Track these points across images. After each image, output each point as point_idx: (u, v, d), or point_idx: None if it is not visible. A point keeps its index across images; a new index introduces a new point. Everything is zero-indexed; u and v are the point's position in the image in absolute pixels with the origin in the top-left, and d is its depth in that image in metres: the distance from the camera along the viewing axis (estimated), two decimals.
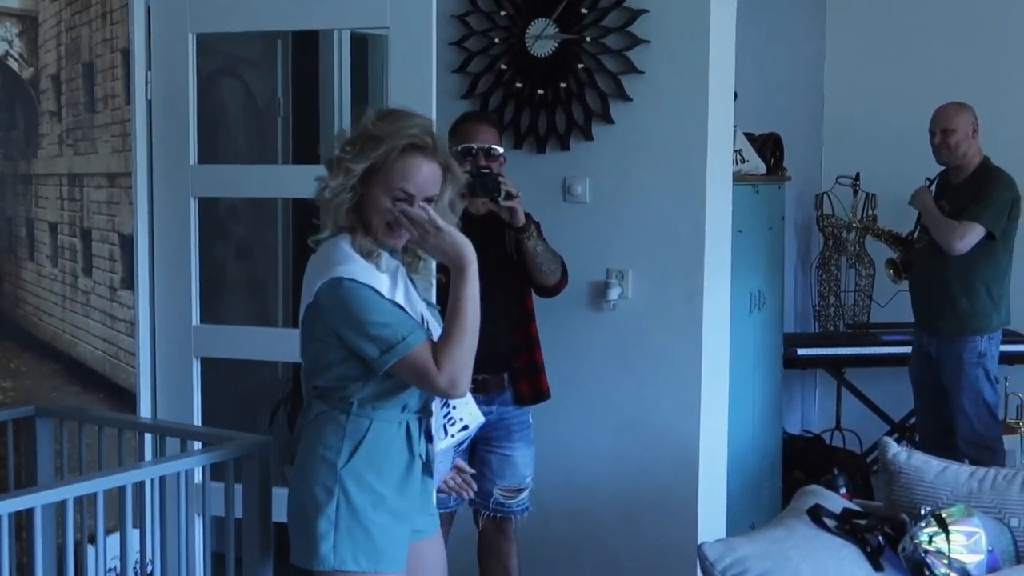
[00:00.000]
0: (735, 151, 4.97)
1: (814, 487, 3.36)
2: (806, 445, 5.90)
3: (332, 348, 2.69)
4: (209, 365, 3.85)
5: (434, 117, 3.43)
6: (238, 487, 3.00)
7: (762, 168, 5.15)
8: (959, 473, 3.05)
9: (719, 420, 4.27)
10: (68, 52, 3.48)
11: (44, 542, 2.82)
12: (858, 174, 6.36)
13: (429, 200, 2.73)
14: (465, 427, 2.90)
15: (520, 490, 3.93)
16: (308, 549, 2.71)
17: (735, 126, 4.95)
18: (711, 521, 4.17)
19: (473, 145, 3.75)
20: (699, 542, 2.99)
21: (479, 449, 3.90)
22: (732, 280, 4.56)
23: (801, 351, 5.92)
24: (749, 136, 5.19)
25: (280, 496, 3.04)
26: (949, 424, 5.06)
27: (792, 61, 6.45)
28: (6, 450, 3.33)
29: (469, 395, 2.91)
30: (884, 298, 6.27)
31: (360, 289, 2.64)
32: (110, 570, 3.09)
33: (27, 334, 3.43)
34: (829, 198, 6.46)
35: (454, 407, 2.86)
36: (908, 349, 5.75)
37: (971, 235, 4.90)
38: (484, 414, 3.81)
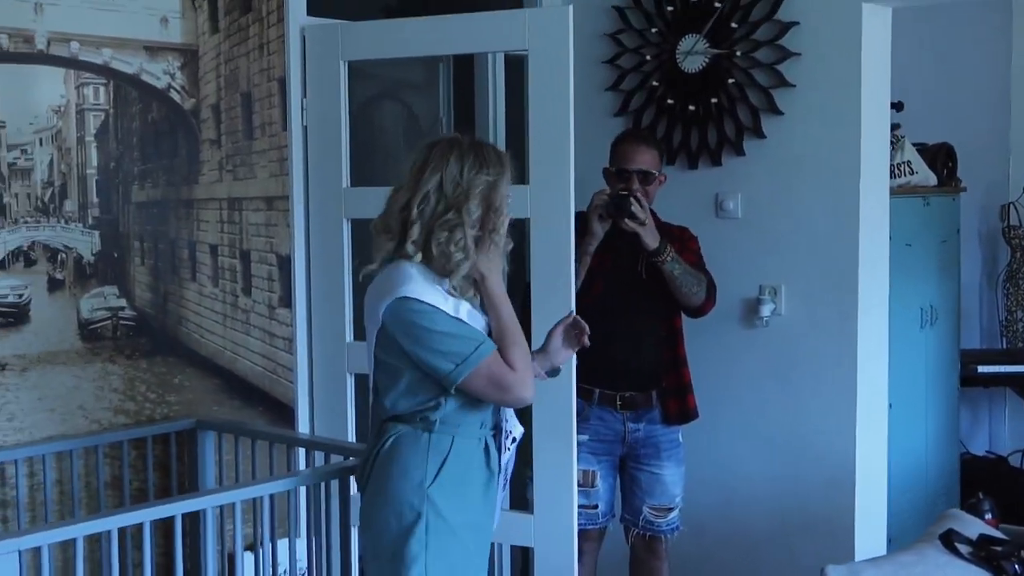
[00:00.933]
0: (903, 163, 4.84)
1: (955, 511, 3.23)
2: (989, 466, 5.66)
3: (406, 370, 2.70)
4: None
5: (571, 137, 3.48)
6: None
7: (932, 179, 4.99)
8: None
9: (878, 439, 4.16)
10: (227, 83, 3.67)
11: (205, 546, 2.98)
12: None
13: None
14: (515, 439, 2.90)
15: (670, 509, 3.92)
16: (392, 573, 2.69)
17: (903, 137, 4.83)
18: (869, 543, 4.05)
19: (629, 167, 3.78)
20: (823, 566, 2.92)
21: (628, 467, 3.92)
22: (901, 295, 4.44)
23: (983, 369, 5.67)
24: (919, 147, 5.03)
25: None
26: None
27: (976, 68, 6.21)
28: (170, 460, 3.53)
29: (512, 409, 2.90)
30: None
31: (425, 307, 2.65)
32: None
33: (190, 351, 3.62)
34: (1016, 208, 6.19)
35: (507, 420, 2.86)
36: None
37: None
38: (633, 431, 3.85)
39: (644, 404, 3.85)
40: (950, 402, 5.29)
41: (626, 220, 3.67)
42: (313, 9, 3.85)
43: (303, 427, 3.85)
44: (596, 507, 3.88)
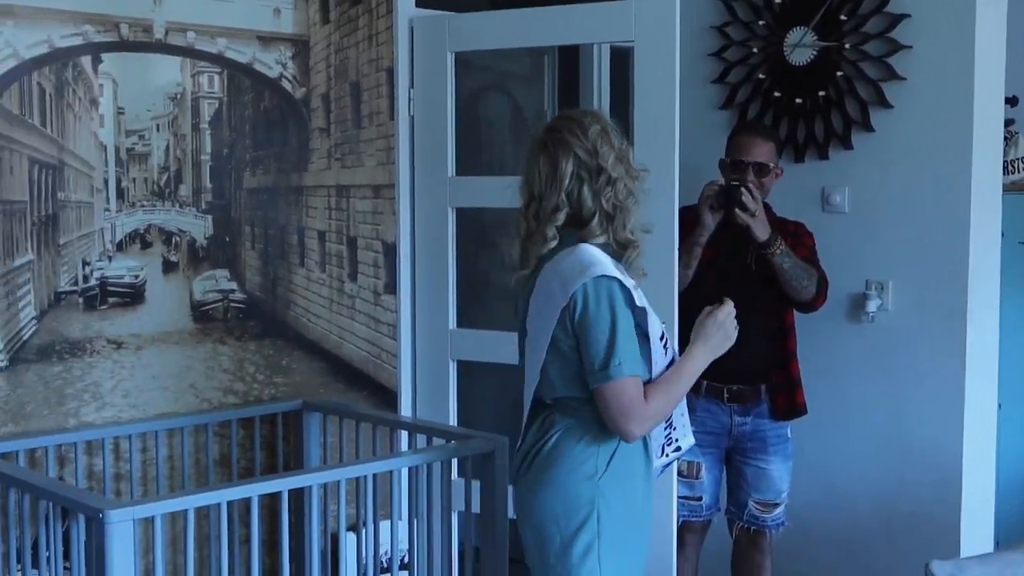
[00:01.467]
0: (1017, 159, 4.74)
1: None
2: None
3: (578, 357, 2.65)
4: (477, 369, 4.03)
5: (676, 128, 3.48)
6: (476, 483, 3.13)
7: None
8: None
9: (986, 439, 4.08)
10: (337, 73, 3.74)
11: (311, 524, 3.04)
12: None
13: None
14: (678, 448, 2.90)
15: (775, 504, 3.89)
16: (566, 564, 2.67)
17: (1017, 133, 4.73)
18: (976, 544, 3.98)
19: (745, 159, 3.77)
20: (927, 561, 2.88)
21: (735, 460, 3.90)
22: (1014, 294, 4.35)
23: None
24: None
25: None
26: None
27: None
28: (276, 440, 3.61)
29: (687, 418, 2.90)
30: None
31: (624, 289, 2.63)
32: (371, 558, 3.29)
33: (298, 334, 3.70)
34: None
35: (675, 428, 2.85)
36: None
37: None
38: (739, 425, 3.84)
39: (752, 398, 3.83)
40: None
41: (737, 211, 3.65)
42: (422, 1, 3.91)
43: (406, 411, 3.91)
44: (700, 499, 3.87)
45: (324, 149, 3.74)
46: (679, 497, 3.82)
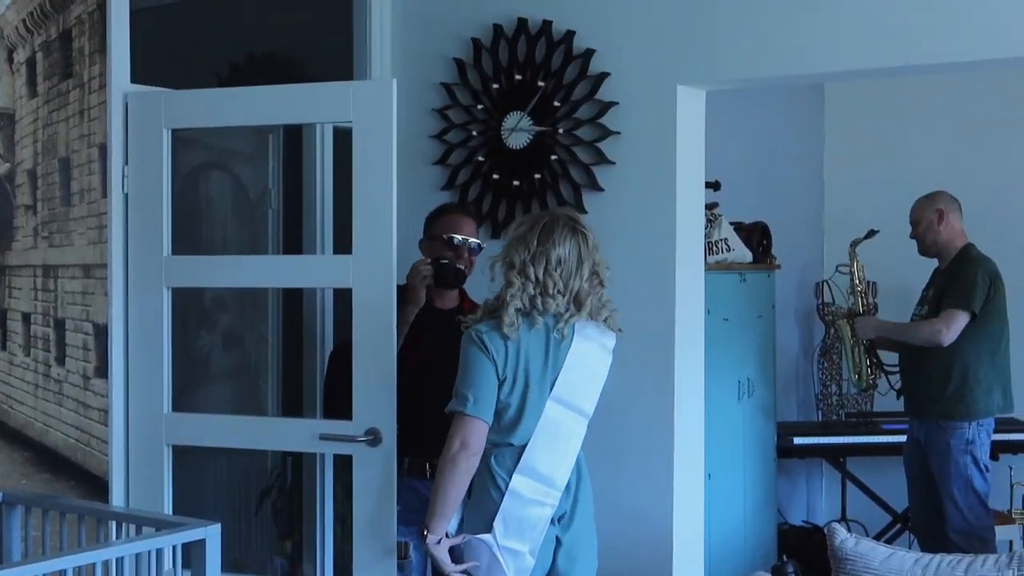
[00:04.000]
0: (720, 240, 5.02)
1: (761, 574, 3.34)
2: (805, 536, 5.83)
3: None
4: (195, 453, 3.91)
5: (394, 208, 3.53)
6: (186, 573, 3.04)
7: (748, 256, 5.18)
8: (904, 559, 3.02)
9: (695, 508, 4.26)
10: (45, 148, 3.61)
11: None
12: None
13: None
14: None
15: None
16: None
17: (720, 215, 5.02)
18: None
19: (458, 237, 3.81)
20: None
21: None
22: (718, 368, 4.58)
23: (798, 440, 5.87)
24: (737, 225, 5.23)
25: None
26: (942, 513, 5.00)
27: (790, 151, 6.50)
28: None
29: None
30: (886, 387, 6.21)
31: None
32: None
33: None
34: (829, 286, 6.46)
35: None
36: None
37: (955, 322, 4.89)
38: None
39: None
40: (767, 472, 5.46)
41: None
42: (138, 77, 3.83)
43: (118, 500, 3.75)
44: None
45: (30, 227, 3.58)
46: None
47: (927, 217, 5.12)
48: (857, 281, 5.68)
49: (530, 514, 3.22)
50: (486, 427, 3.20)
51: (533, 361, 3.24)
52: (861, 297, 5.66)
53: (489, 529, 3.22)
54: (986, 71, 5.27)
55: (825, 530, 3.28)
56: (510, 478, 3.22)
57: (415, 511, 3.80)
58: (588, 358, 3.31)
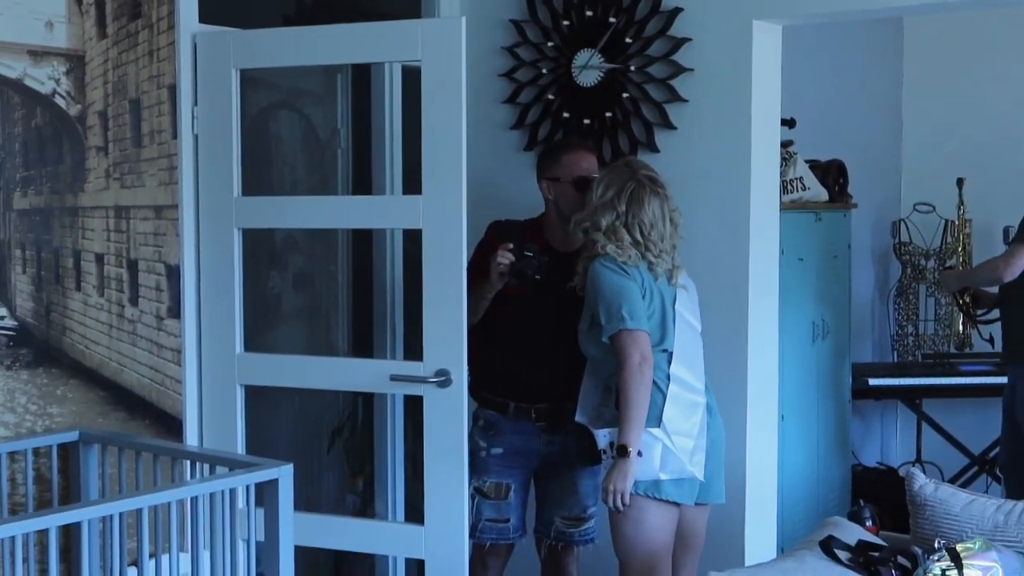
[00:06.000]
0: (795, 178, 4.92)
1: (837, 519, 3.29)
2: (879, 478, 5.77)
3: None
4: (268, 393, 3.93)
5: (463, 148, 3.48)
6: (259, 512, 3.06)
7: (824, 195, 5.08)
8: (986, 506, 2.95)
9: (768, 450, 4.22)
10: (115, 89, 3.60)
11: (85, 561, 2.90)
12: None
13: None
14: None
15: (581, 519, 3.91)
16: None
17: (795, 153, 4.92)
18: (759, 552, 4.10)
19: (588, 176, 3.74)
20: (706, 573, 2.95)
21: (541, 477, 3.91)
22: (792, 309, 4.51)
23: (873, 381, 5.79)
24: (812, 163, 5.12)
25: (305, 520, 3.09)
26: None
27: (868, 87, 6.35)
28: (51, 473, 3.44)
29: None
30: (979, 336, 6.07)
31: None
32: None
33: (74, 362, 3.54)
34: (907, 225, 6.33)
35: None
36: (987, 380, 5.67)
37: (1014, 256, 4.75)
38: (548, 444, 3.84)
39: (560, 417, 3.82)
40: (841, 414, 5.38)
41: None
42: (206, 16, 3.80)
43: (192, 440, 3.78)
44: (508, 520, 3.86)
45: (102, 168, 3.59)
46: (486, 520, 3.82)
47: None
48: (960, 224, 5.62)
49: (692, 399, 3.53)
50: (648, 337, 3.45)
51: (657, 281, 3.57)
52: (963, 240, 5.59)
53: (659, 424, 3.45)
54: None
55: (903, 474, 3.21)
56: (667, 378, 3.50)
57: (518, 454, 3.81)
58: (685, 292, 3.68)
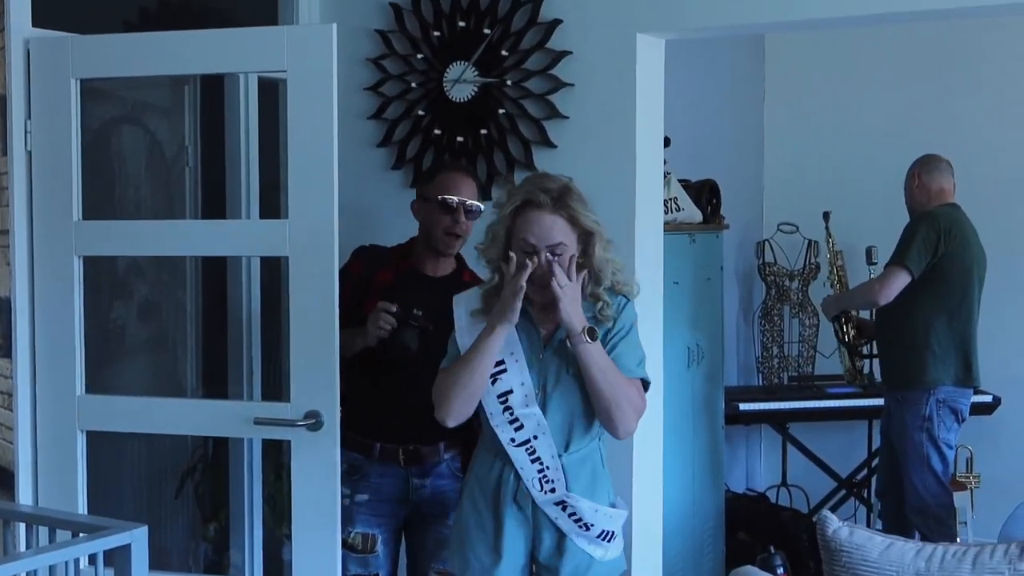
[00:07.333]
0: (670, 199, 4.76)
1: (748, 568, 3.10)
2: (750, 504, 5.66)
3: None
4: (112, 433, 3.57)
5: (335, 168, 3.20)
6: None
7: (698, 216, 4.93)
8: (904, 551, 2.80)
9: (654, 484, 4.02)
10: None
11: None
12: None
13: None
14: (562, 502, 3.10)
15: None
16: None
17: (669, 173, 4.75)
18: None
19: (455, 199, 3.49)
20: None
21: (414, 528, 3.62)
22: (668, 334, 4.33)
23: (744, 406, 5.69)
24: (684, 183, 4.97)
25: None
26: (900, 490, 4.83)
27: (731, 107, 6.28)
28: None
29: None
30: (828, 348, 6.05)
31: None
32: None
33: None
34: (771, 245, 6.27)
35: (547, 468, 3.08)
36: (852, 402, 5.67)
37: (888, 279, 4.74)
38: (418, 489, 3.54)
39: (431, 457, 3.54)
40: (715, 441, 5.25)
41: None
42: (40, 20, 3.41)
43: (25, 495, 3.38)
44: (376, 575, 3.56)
45: None
46: None
47: (907, 180, 4.96)
48: (832, 257, 5.62)
49: None
50: None
51: None
52: (837, 272, 5.59)
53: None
54: (928, 22, 5.07)
55: (815, 520, 3.04)
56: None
57: (386, 501, 3.51)
58: None
